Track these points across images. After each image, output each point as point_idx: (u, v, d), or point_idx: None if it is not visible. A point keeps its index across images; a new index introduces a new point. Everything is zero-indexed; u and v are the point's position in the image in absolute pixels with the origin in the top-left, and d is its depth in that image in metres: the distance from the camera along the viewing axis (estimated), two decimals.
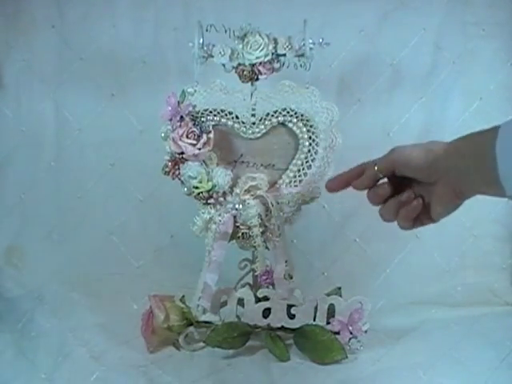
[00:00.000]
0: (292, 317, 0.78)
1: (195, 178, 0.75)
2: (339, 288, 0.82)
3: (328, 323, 0.78)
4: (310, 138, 0.77)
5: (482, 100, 0.98)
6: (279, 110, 0.76)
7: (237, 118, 0.77)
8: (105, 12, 1.00)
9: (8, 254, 1.01)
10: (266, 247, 0.78)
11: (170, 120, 0.75)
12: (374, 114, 0.99)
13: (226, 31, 0.75)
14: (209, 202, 0.76)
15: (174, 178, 0.77)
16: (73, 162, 1.02)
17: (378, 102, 0.99)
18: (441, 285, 0.97)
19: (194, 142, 0.74)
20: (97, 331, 0.82)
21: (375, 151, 0.99)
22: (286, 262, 0.77)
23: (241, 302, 0.79)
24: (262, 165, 0.78)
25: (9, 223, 1.03)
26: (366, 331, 0.77)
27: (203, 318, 0.79)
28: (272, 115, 0.77)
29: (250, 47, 0.74)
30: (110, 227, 1.01)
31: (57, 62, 1.02)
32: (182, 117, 0.74)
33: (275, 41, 0.75)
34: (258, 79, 0.76)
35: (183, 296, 0.82)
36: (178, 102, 0.75)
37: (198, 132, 0.74)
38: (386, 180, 0.59)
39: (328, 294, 0.79)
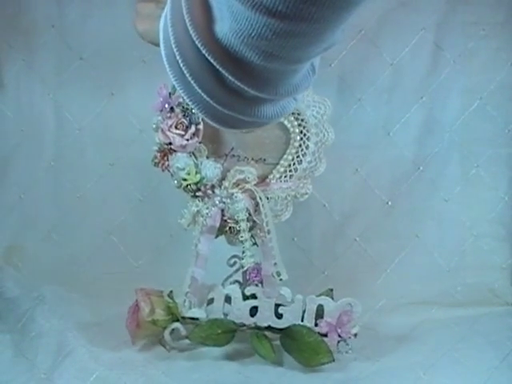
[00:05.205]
0: (279, 316, 0.77)
1: (183, 169, 0.74)
2: (331, 290, 0.81)
3: (316, 325, 0.77)
4: (301, 132, 0.76)
5: (482, 100, 0.98)
6: None
7: None
8: (105, 12, 1.00)
9: (8, 253, 1.01)
10: (255, 243, 0.76)
11: (161, 111, 0.74)
12: (374, 114, 0.99)
13: None
14: (197, 194, 0.75)
15: (163, 170, 0.76)
16: (72, 162, 1.02)
17: (379, 102, 0.99)
18: (441, 285, 0.97)
19: (183, 132, 0.73)
20: (97, 331, 0.82)
21: (375, 151, 1.00)
22: (274, 259, 0.75)
23: (228, 299, 0.78)
24: (252, 159, 0.77)
25: (9, 223, 1.03)
26: (355, 334, 0.76)
27: (189, 313, 0.78)
28: None
29: None
30: (110, 227, 1.01)
31: (57, 61, 1.02)
32: (172, 108, 0.74)
33: None
34: None
35: (171, 291, 0.81)
36: (170, 94, 0.74)
37: (186, 123, 0.73)
38: None
39: (319, 296, 0.78)
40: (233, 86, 0.35)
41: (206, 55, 0.34)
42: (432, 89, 0.99)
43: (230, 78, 0.35)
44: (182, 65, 0.36)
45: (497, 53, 0.98)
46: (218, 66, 0.34)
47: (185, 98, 0.39)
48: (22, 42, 1.01)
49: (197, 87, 0.37)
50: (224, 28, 0.32)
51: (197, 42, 0.34)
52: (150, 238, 1.01)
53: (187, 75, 0.36)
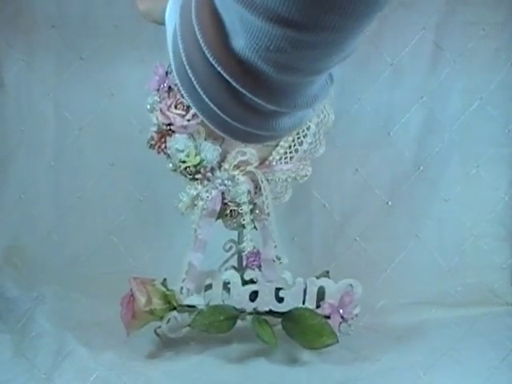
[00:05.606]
0: (280, 300, 0.76)
1: (182, 151, 0.71)
2: (327, 272, 0.81)
3: (318, 307, 0.76)
4: None
5: (482, 100, 0.98)
6: None
7: None
8: (105, 12, 1.00)
9: (8, 253, 1.01)
10: (254, 227, 0.75)
11: (157, 90, 0.72)
12: (374, 114, 0.99)
13: None
14: (196, 177, 0.72)
15: (159, 152, 0.73)
16: (72, 162, 1.03)
17: (379, 102, 0.99)
18: (441, 285, 0.97)
19: (183, 112, 0.70)
20: (97, 331, 0.82)
21: (375, 151, 1.00)
22: (274, 242, 0.74)
23: (226, 285, 0.77)
24: None
25: (9, 223, 1.03)
26: (356, 315, 0.76)
27: (187, 301, 0.76)
28: None
29: None
30: (110, 227, 1.01)
31: (57, 61, 1.02)
32: (170, 87, 0.72)
33: None
34: None
35: (165, 279, 0.80)
36: (166, 73, 0.71)
37: (186, 103, 0.71)
38: None
39: (317, 278, 0.78)
40: (249, 102, 0.34)
41: (222, 72, 0.32)
42: (432, 89, 0.99)
43: (246, 94, 0.33)
44: (194, 82, 0.35)
45: (497, 53, 0.98)
46: (234, 83, 0.33)
47: (198, 113, 0.38)
48: (22, 41, 1.02)
49: (211, 104, 0.35)
50: (239, 43, 0.31)
51: (211, 59, 0.32)
52: (149, 238, 1.01)
53: (200, 92, 0.35)
